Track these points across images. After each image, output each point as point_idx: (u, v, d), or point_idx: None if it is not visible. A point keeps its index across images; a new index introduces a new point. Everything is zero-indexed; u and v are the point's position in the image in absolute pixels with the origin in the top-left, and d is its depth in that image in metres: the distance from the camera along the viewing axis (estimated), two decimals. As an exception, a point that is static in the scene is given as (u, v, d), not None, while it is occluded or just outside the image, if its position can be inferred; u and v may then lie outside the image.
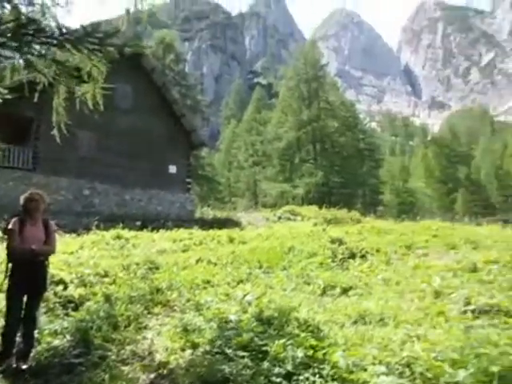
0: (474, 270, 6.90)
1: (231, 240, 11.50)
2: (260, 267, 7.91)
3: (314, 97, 44.25)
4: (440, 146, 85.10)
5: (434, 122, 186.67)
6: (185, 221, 18.49)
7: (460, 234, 10.49)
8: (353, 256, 8.69)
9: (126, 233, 12.71)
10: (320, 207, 24.59)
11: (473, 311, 4.94)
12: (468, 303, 5.16)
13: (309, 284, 6.77)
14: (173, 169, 21.31)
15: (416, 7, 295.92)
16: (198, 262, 8.79)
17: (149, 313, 5.69)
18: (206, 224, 17.63)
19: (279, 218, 21.20)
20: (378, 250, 8.91)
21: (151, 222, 16.88)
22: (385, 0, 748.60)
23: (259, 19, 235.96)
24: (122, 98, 19.11)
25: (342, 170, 42.43)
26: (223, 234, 12.48)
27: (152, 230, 14.03)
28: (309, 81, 44.55)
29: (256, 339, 4.26)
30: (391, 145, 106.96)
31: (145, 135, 20.11)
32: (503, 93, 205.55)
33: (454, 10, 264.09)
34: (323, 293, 6.38)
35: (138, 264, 8.23)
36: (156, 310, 5.87)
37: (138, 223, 16.50)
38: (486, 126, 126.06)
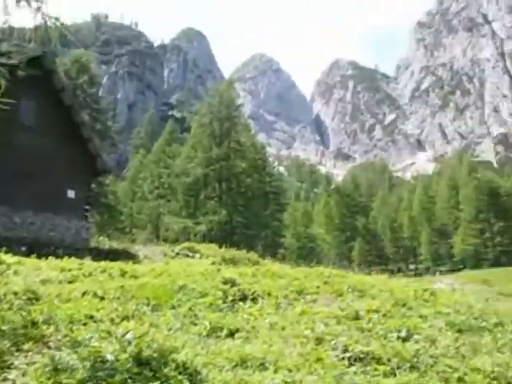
0: (357, 317, 7.19)
1: (123, 273, 11.03)
2: (148, 304, 7.66)
3: (226, 136, 44.76)
4: (342, 195, 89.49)
5: (339, 173, 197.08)
6: (78, 249, 17.55)
7: (350, 282, 10.90)
8: (244, 298, 8.69)
9: (8, 258, 11.72)
10: (220, 246, 24.58)
11: (349, 358, 5.14)
12: (346, 350, 5.36)
13: (195, 324, 6.63)
14: (71, 193, 19.94)
15: (331, 63, 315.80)
16: (83, 294, 8.29)
17: (18, 349, 5.18)
18: (101, 254, 16.89)
19: (177, 253, 20.87)
20: (269, 294, 9.00)
21: (41, 247, 15.83)
22: (303, 52, 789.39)
23: (180, 53, 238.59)
24: (25, 113, 17.98)
25: (246, 210, 42.92)
26: (116, 266, 11.95)
27: (40, 257, 13.11)
28: (222, 119, 45.09)
29: (130, 381, 4.06)
30: (297, 190, 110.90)
31: (45, 155, 18.70)
32: (402, 151, 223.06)
33: (364, 71, 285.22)
34: (209, 334, 6.29)
35: (16, 293, 7.58)
36: (27, 346, 5.35)
37: (24, 248, 15.39)
38: (385, 181, 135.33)
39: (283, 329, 6.62)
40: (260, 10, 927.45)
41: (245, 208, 43.35)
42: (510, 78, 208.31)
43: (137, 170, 63.04)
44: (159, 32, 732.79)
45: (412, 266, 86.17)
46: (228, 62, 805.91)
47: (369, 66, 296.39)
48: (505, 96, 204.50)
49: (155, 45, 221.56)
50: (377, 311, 7.50)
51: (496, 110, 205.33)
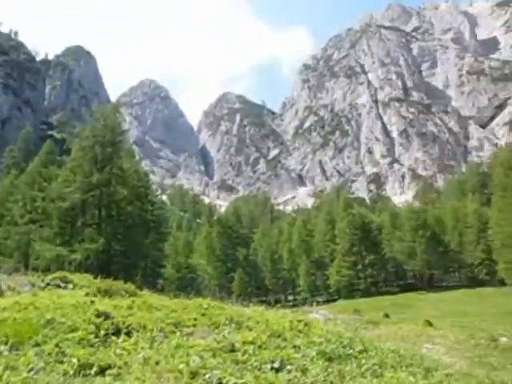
0: (233, 350, 7.22)
1: (-21, 308, 9.93)
2: (6, 343, 6.94)
3: (108, 161, 42.99)
4: (224, 226, 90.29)
5: (222, 204, 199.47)
6: None
7: (227, 314, 10.92)
8: (118, 332, 8.30)
9: None
10: (96, 276, 23.33)
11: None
12: (220, 383, 5.35)
13: (62, 362, 6.17)
14: None
15: (219, 95, 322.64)
16: None
17: None
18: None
19: (48, 284, 19.32)
20: (144, 327, 8.70)
21: None
22: (192, 82, 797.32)
23: (65, 70, 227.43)
24: None
25: (126, 238, 41.37)
26: (-29, 299, 10.77)
27: None
28: (105, 144, 43.29)
29: None
30: (179, 220, 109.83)
31: None
32: (284, 185, 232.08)
33: (251, 106, 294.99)
34: (77, 373, 5.88)
35: None
36: None
37: None
38: (267, 213, 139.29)
39: (157, 363, 6.42)
40: (153, 36, 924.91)
41: (124, 236, 41.72)
42: (381, 124, 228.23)
43: (7, 191, 58.25)
44: (43, 46, 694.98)
45: (291, 297, 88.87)
46: (116, 86, 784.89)
47: (256, 102, 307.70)
48: (377, 139, 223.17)
49: (37, 59, 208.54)
50: (252, 343, 7.59)
51: (370, 151, 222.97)
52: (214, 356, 6.81)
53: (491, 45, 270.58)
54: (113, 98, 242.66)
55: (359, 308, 49.66)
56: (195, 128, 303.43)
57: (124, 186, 43.56)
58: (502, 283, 64.98)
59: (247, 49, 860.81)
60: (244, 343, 7.57)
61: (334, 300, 75.95)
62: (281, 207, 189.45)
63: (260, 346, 7.49)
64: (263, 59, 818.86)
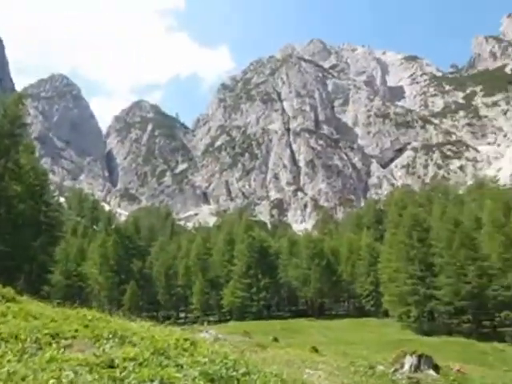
0: (111, 365, 6.85)
1: None
2: None
3: (4, 154, 40.27)
4: (122, 236, 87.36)
5: (123, 213, 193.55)
6: None
7: (112, 327, 10.44)
8: (-16, 340, 7.58)
9: None
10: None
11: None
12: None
13: None
14: None
15: (133, 102, 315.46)
16: None
17: None
18: None
19: None
20: (16, 337, 8.03)
21: None
22: (107, 86, 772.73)
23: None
24: None
25: (13, 239, 38.62)
26: None
27: None
28: (2, 135, 40.59)
29: None
30: (75, 224, 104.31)
31: None
32: (188, 201, 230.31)
33: (165, 118, 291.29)
34: None
35: None
36: None
37: None
38: (168, 227, 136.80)
39: (23, 379, 5.87)
40: (74, 31, 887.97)
41: (11, 236, 38.94)
42: (290, 152, 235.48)
43: None
44: None
45: (182, 315, 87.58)
46: (24, 76, 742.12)
47: (170, 114, 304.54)
48: (285, 166, 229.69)
49: None
50: (134, 359, 7.26)
51: (276, 177, 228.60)
52: (90, 371, 6.40)
53: (398, 92, 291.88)
54: (18, 88, 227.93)
55: (250, 330, 49.93)
56: (104, 132, 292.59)
57: (18, 182, 40.93)
58: (386, 315, 68.91)
59: (169, 61, 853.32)
60: (124, 359, 7.21)
61: (226, 320, 75.99)
62: (182, 223, 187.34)
63: (141, 363, 7.17)
64: (184, 73, 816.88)
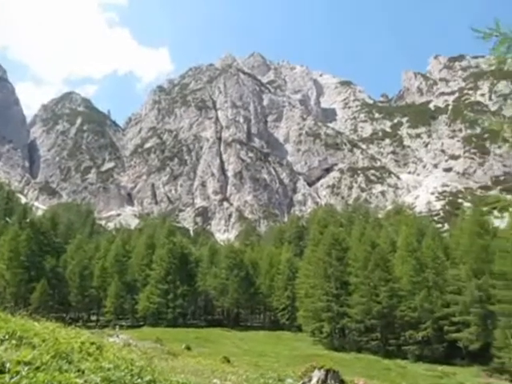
0: (2, 370, 6.28)
1: None
2: None
3: None
4: (36, 231, 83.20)
5: (41, 207, 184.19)
6: None
7: (10, 327, 9.70)
8: None
9: None
10: None
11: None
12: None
13: None
14: None
15: (64, 93, 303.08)
16: None
17: None
18: None
19: None
20: None
21: None
22: (38, 73, 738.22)
23: None
24: None
25: None
26: None
27: None
28: None
29: None
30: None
31: None
32: (111, 201, 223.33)
33: (95, 113, 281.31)
34: None
35: None
36: None
37: None
38: (87, 226, 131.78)
39: None
40: (7, 7, 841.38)
41: None
42: (220, 161, 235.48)
43: None
44: None
45: (94, 318, 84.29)
46: None
47: (102, 110, 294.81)
48: (213, 175, 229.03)
49: None
50: (30, 363, 6.71)
51: (203, 184, 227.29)
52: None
53: (330, 114, 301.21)
54: None
55: (163, 337, 49.04)
56: (28, 120, 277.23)
57: None
58: (300, 329, 70.16)
59: (107, 56, 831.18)
60: (19, 363, 6.62)
61: (140, 326, 74.13)
62: (103, 222, 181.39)
63: (38, 368, 6.63)
64: (121, 70, 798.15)
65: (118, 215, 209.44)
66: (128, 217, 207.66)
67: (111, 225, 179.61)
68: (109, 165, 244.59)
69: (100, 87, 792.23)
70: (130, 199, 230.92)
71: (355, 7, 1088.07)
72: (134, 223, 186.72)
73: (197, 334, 63.71)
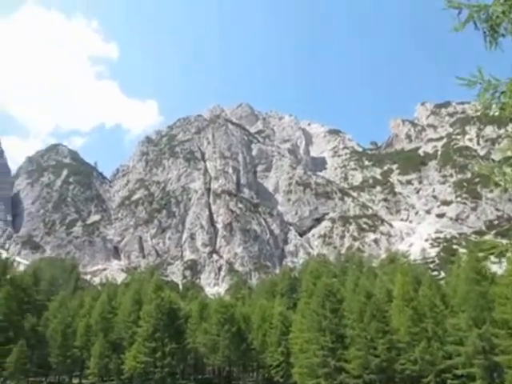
0: None
1: None
2: None
3: None
4: (16, 288, 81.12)
5: (23, 262, 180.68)
6: None
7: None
8: None
9: None
10: None
11: None
12: None
13: None
14: None
15: (50, 145, 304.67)
16: None
17: None
18: None
19: None
20: None
21: None
22: (26, 125, 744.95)
23: None
24: None
25: None
26: None
27: None
28: None
29: None
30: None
31: None
32: (97, 255, 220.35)
33: (82, 165, 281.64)
34: None
35: None
36: None
37: None
38: (71, 281, 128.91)
39: None
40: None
41: None
42: (209, 213, 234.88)
43: None
44: None
45: (76, 381, 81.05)
46: None
47: (89, 162, 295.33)
48: (202, 227, 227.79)
49: None
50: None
51: (192, 237, 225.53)
52: None
53: (320, 163, 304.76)
54: None
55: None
56: (13, 172, 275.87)
57: None
58: (294, 388, 67.66)
59: (96, 109, 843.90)
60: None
61: (125, 388, 71.25)
62: (88, 277, 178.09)
63: None
64: (109, 123, 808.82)
65: (104, 269, 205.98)
66: (114, 271, 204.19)
67: (97, 280, 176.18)
68: (95, 217, 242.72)
69: (88, 140, 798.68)
70: (116, 253, 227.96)
71: (341, 55, 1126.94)
72: (120, 277, 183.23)
73: (186, 394, 61.20)
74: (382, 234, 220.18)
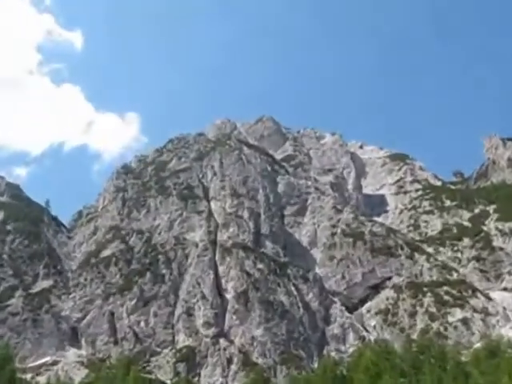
0: None
1: None
2: None
3: None
4: None
5: None
6: None
7: None
8: None
9: None
10: None
11: None
12: None
13: None
14: None
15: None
16: None
17: None
18: None
19: None
20: None
21: None
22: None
23: None
24: None
25: None
26: None
27: None
28: None
29: None
30: None
31: None
32: (44, 341, 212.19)
33: (27, 205, 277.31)
34: None
35: None
36: None
37: None
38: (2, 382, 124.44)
39: None
40: None
41: None
42: (214, 276, 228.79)
43: None
44: None
45: None
46: None
47: (37, 201, 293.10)
48: (204, 297, 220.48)
49: None
50: None
51: (190, 312, 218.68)
52: None
53: (377, 204, 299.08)
54: None
55: None
56: None
57: None
58: None
59: (52, 124, 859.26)
60: None
61: None
62: (29, 376, 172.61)
63: None
64: (70, 143, 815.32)
65: (55, 363, 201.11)
66: (71, 365, 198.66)
67: (42, 380, 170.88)
68: (44, 284, 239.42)
69: (36, 168, 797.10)
70: (74, 337, 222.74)
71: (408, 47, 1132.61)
72: (79, 375, 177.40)
73: None
74: (474, 310, 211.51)
